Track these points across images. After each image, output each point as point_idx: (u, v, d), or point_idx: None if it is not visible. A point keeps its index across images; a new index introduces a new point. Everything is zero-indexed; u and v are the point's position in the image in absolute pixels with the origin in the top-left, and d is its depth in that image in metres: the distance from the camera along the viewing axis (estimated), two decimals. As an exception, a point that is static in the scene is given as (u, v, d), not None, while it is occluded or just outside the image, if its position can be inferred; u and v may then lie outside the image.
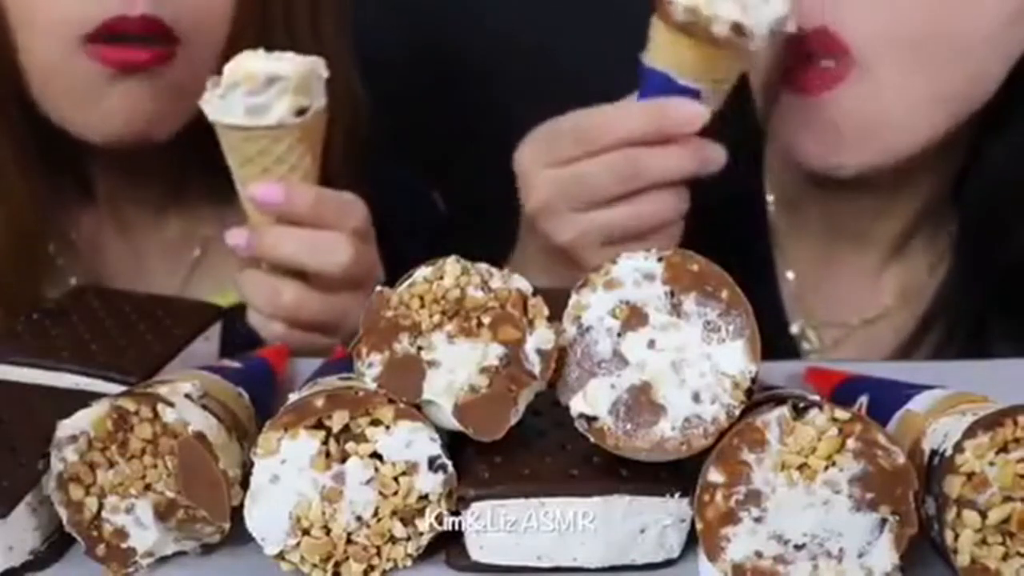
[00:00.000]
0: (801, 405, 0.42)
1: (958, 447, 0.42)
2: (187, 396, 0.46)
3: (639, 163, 0.65)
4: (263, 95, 0.62)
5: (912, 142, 0.72)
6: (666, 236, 0.68)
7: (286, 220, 0.66)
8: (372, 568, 0.44)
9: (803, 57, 0.69)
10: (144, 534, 0.45)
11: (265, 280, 0.68)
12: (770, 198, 0.86)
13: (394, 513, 0.44)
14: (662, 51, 0.65)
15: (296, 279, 0.67)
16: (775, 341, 0.80)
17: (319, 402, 0.43)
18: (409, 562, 0.45)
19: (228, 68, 0.63)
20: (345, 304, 0.68)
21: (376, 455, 0.43)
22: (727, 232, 0.83)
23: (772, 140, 0.77)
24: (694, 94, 0.65)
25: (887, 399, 0.50)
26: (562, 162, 0.67)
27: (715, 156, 0.66)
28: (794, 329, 0.83)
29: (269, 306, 0.68)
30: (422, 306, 0.43)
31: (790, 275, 0.84)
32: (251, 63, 0.63)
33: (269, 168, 0.65)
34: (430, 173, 0.94)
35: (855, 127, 0.70)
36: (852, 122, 0.70)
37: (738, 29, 0.62)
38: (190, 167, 0.82)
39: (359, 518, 0.44)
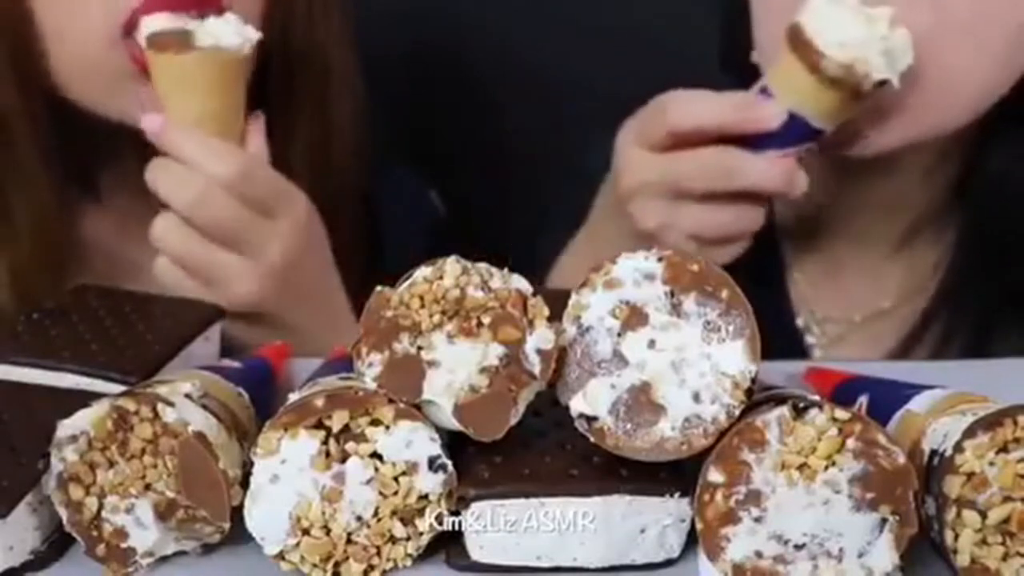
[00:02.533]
0: (801, 405, 0.42)
1: (958, 447, 0.42)
2: (187, 396, 0.46)
3: (732, 166, 0.67)
4: None
5: (943, 124, 0.72)
6: (735, 248, 0.70)
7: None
8: (372, 568, 0.44)
9: None
10: (144, 534, 0.45)
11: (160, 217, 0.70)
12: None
13: (394, 513, 0.44)
14: (801, 96, 0.67)
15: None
16: (780, 335, 0.81)
17: (319, 402, 0.43)
18: (409, 562, 0.45)
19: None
20: (222, 262, 0.69)
21: (376, 455, 0.43)
22: None
23: None
24: (818, 133, 0.68)
25: (887, 399, 0.50)
26: (659, 147, 0.68)
27: (801, 183, 0.69)
28: (799, 323, 0.83)
29: (152, 229, 0.70)
30: (422, 306, 0.43)
31: (796, 271, 0.84)
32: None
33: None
34: (430, 173, 0.94)
35: (890, 109, 0.70)
36: (891, 103, 0.69)
37: (882, 83, 0.65)
38: None
39: (359, 518, 0.44)
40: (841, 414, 0.41)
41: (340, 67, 0.71)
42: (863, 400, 0.53)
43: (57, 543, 0.46)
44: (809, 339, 0.83)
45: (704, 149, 0.67)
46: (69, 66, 0.72)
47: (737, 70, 0.81)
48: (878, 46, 0.65)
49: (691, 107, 0.68)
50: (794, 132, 0.68)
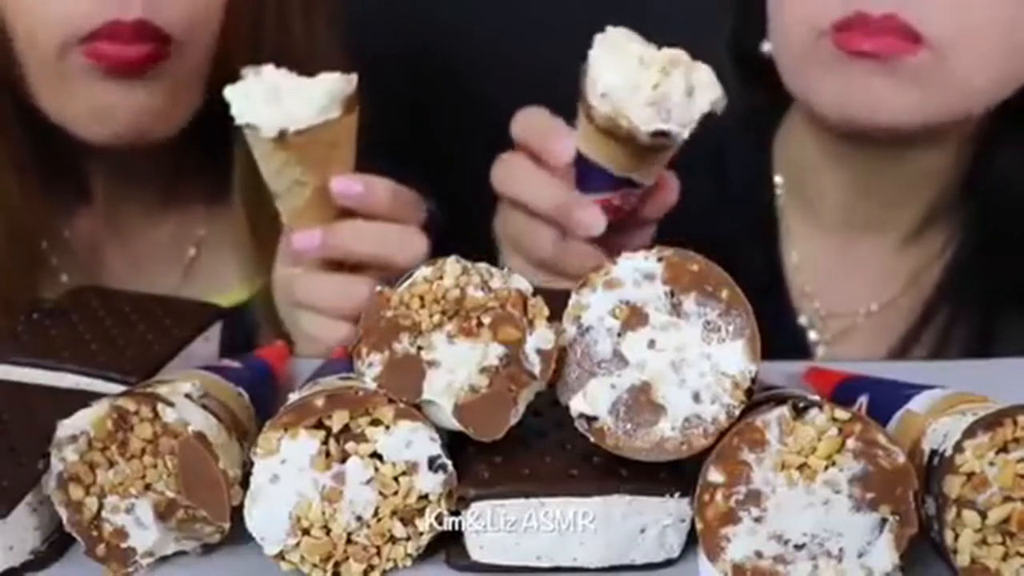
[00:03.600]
0: (801, 405, 0.42)
1: (958, 447, 0.42)
2: (187, 396, 0.46)
3: (534, 191, 0.67)
4: None
5: (963, 110, 0.72)
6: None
7: (361, 214, 0.66)
8: (372, 568, 0.44)
9: (868, 31, 0.68)
10: (144, 534, 0.45)
11: (334, 280, 0.67)
12: (780, 191, 0.86)
13: (394, 513, 0.44)
14: (593, 146, 0.63)
15: (363, 275, 0.67)
16: (782, 332, 0.81)
17: (319, 402, 0.43)
18: (409, 562, 0.45)
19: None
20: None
21: (376, 455, 0.43)
22: (734, 221, 0.84)
23: (807, 103, 0.76)
24: (627, 183, 0.64)
25: (887, 399, 0.50)
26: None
27: (587, 226, 0.65)
28: (802, 321, 0.83)
29: (343, 305, 0.67)
30: (422, 306, 0.43)
31: (799, 265, 0.84)
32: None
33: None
34: (429, 173, 0.94)
35: (911, 87, 0.70)
36: (909, 83, 0.69)
37: (662, 134, 0.60)
38: (184, 167, 0.82)
39: (359, 518, 0.44)
40: (841, 414, 0.41)
41: (327, 67, 0.71)
42: (863, 400, 0.53)
43: (57, 543, 0.46)
44: (812, 336, 0.83)
45: (534, 174, 0.67)
46: (28, 69, 0.71)
47: (747, 62, 0.82)
48: (644, 96, 0.59)
49: (526, 119, 0.68)
50: (597, 178, 0.64)
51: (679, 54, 0.60)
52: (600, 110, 0.60)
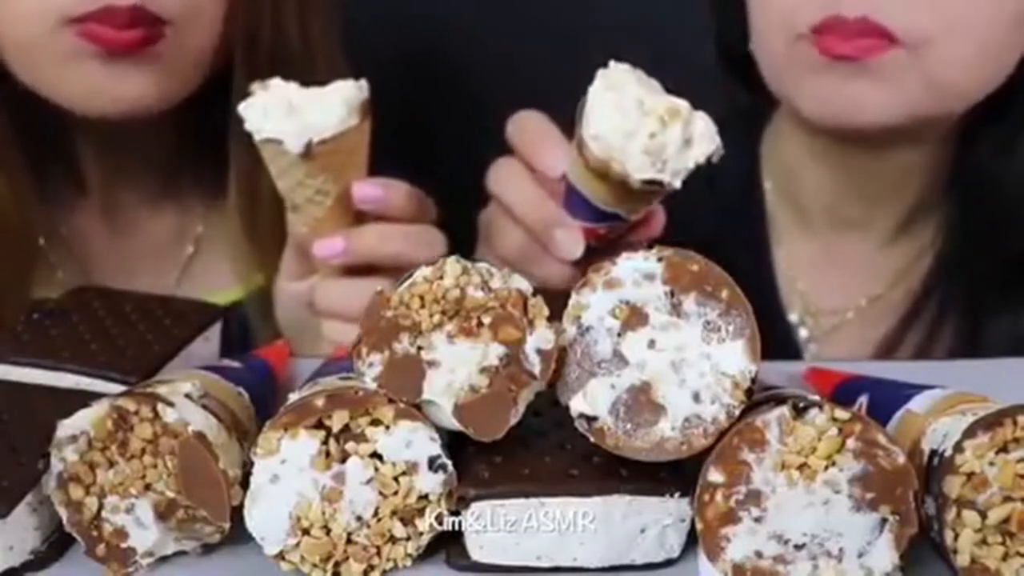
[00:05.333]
0: (801, 405, 0.42)
1: (958, 447, 0.42)
2: (187, 396, 0.46)
3: (522, 203, 0.67)
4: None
5: (946, 107, 0.73)
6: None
7: (378, 217, 0.66)
8: (372, 568, 0.44)
9: (845, 34, 0.69)
10: (144, 534, 0.45)
11: (355, 284, 0.67)
12: (768, 191, 0.86)
13: (394, 513, 0.44)
14: (583, 180, 0.62)
15: (382, 278, 0.67)
16: (772, 330, 0.81)
17: (319, 402, 0.43)
18: (409, 562, 0.45)
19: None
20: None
21: (376, 455, 0.43)
22: (724, 222, 0.84)
23: (790, 104, 0.77)
24: (614, 217, 0.63)
25: (887, 399, 0.50)
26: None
27: (566, 250, 0.65)
28: (792, 318, 0.84)
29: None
30: (422, 306, 0.43)
31: (788, 264, 0.85)
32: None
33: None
34: (430, 175, 0.94)
35: (892, 86, 0.70)
36: (889, 82, 0.70)
37: (654, 183, 0.58)
38: (181, 163, 0.82)
39: (359, 518, 0.44)
40: (841, 414, 0.41)
41: (325, 69, 0.70)
42: (863, 400, 0.53)
43: (57, 543, 0.46)
44: (803, 333, 0.84)
45: (525, 183, 0.67)
46: (16, 48, 0.70)
47: (732, 62, 0.82)
48: (640, 144, 0.57)
49: (522, 123, 0.68)
50: (584, 209, 0.63)
51: (679, 104, 0.58)
52: (593, 150, 0.59)
